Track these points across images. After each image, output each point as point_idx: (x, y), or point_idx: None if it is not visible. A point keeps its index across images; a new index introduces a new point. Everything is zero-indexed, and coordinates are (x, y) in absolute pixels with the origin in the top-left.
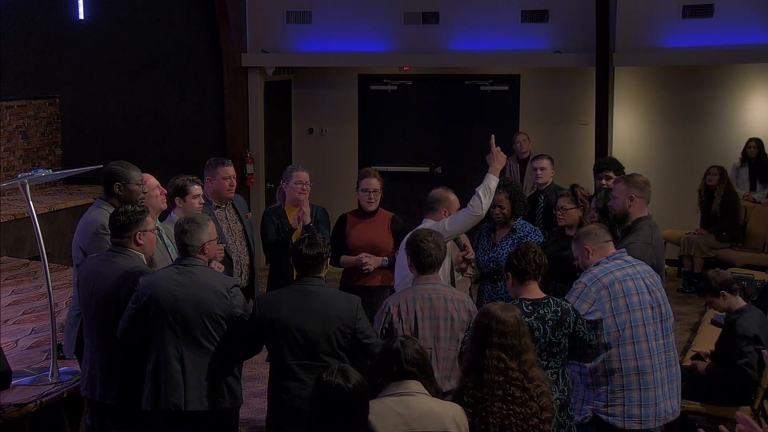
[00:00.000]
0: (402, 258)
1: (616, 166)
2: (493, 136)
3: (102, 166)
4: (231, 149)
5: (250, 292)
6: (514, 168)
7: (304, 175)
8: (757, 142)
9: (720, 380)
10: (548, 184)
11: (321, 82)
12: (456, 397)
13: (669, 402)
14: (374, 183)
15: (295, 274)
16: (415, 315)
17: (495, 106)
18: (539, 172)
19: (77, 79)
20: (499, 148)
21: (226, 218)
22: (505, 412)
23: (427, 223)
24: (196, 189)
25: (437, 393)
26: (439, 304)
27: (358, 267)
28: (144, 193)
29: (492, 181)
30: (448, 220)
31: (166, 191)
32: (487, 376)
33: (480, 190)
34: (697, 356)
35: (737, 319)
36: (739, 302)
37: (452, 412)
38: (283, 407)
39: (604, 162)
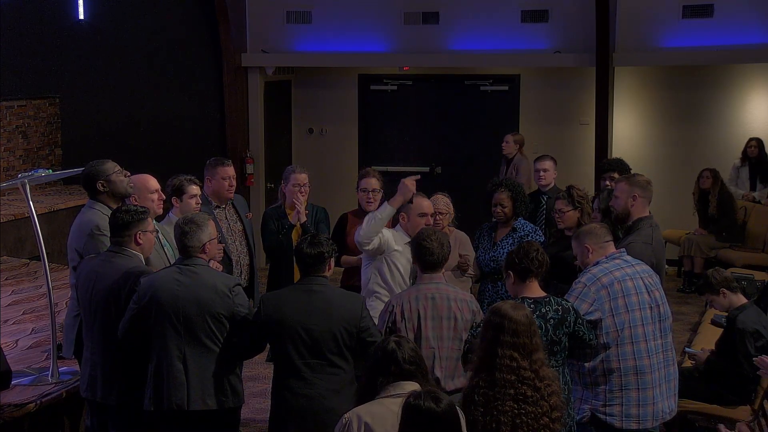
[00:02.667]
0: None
1: (621, 167)
2: (417, 176)
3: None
4: (231, 149)
5: (250, 291)
6: (501, 167)
7: (302, 177)
8: (758, 142)
9: (718, 375)
10: (551, 185)
11: (321, 82)
12: (466, 395)
13: (666, 402)
14: (373, 183)
15: (296, 274)
16: (419, 314)
17: (495, 106)
18: (542, 173)
19: (77, 79)
20: (413, 181)
21: (226, 218)
22: (516, 411)
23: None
24: (194, 189)
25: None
26: (443, 303)
27: (358, 267)
28: (127, 177)
29: (383, 211)
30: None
31: (164, 197)
32: (499, 375)
33: (371, 215)
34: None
35: (738, 314)
36: (740, 299)
37: None
38: (287, 406)
39: (609, 163)
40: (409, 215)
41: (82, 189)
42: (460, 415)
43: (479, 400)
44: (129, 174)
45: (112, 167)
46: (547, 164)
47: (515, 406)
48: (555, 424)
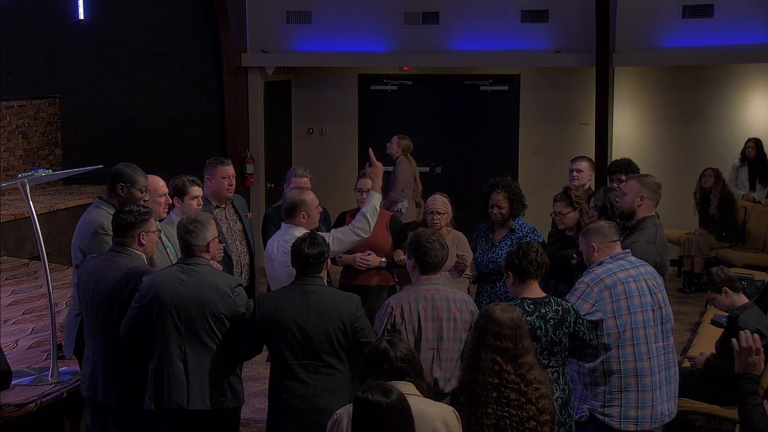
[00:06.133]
0: (278, 269)
1: (628, 169)
2: (370, 149)
3: (102, 166)
4: (231, 149)
5: (251, 291)
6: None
7: (302, 182)
8: (756, 142)
9: (718, 375)
10: (586, 187)
11: (321, 82)
12: (454, 396)
13: (666, 404)
14: (369, 183)
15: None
16: (418, 315)
17: (495, 106)
18: (575, 173)
19: (77, 79)
20: (376, 162)
21: (226, 218)
22: (500, 413)
23: (295, 230)
24: (195, 190)
25: (429, 391)
26: (442, 304)
27: (356, 266)
28: (145, 201)
29: (376, 199)
30: (332, 240)
31: (170, 203)
32: (481, 378)
33: (367, 211)
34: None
35: (740, 314)
36: (742, 299)
37: (443, 414)
38: (284, 407)
39: (617, 164)
40: (308, 212)
41: (81, 189)
42: (454, 416)
43: (464, 401)
44: (148, 198)
45: (142, 183)
46: (582, 165)
47: (498, 408)
48: (543, 428)
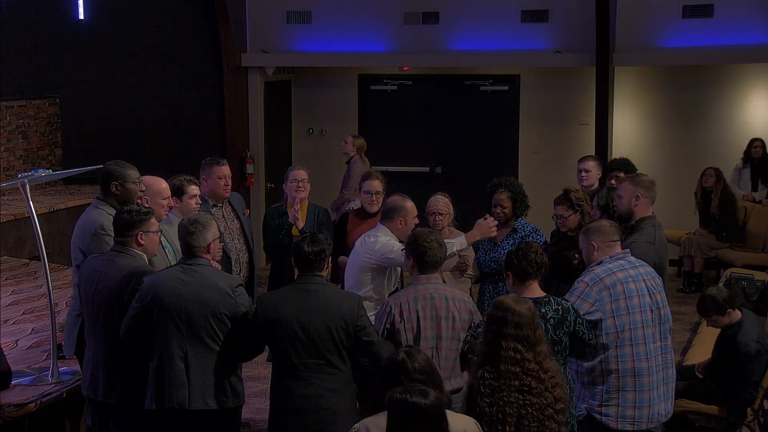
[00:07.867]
0: (354, 259)
1: (627, 167)
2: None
3: (102, 166)
4: (231, 149)
5: (250, 289)
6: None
7: (300, 174)
8: (761, 143)
9: (719, 377)
10: (594, 186)
11: (321, 82)
12: (471, 387)
13: (663, 404)
14: (376, 185)
15: (296, 273)
16: (417, 315)
17: (495, 106)
18: (584, 174)
19: (77, 79)
20: (490, 221)
21: (224, 217)
22: (522, 402)
23: (383, 234)
24: (193, 189)
25: (449, 402)
26: (441, 303)
27: None
28: (141, 191)
29: (458, 245)
30: (386, 251)
31: (173, 205)
32: (504, 367)
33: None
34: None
35: (737, 333)
36: (738, 315)
37: (463, 426)
38: (285, 406)
39: (616, 162)
40: (406, 219)
41: (81, 189)
42: (476, 428)
43: (485, 392)
44: (144, 189)
45: (133, 175)
46: (590, 164)
47: (520, 397)
48: (559, 416)
